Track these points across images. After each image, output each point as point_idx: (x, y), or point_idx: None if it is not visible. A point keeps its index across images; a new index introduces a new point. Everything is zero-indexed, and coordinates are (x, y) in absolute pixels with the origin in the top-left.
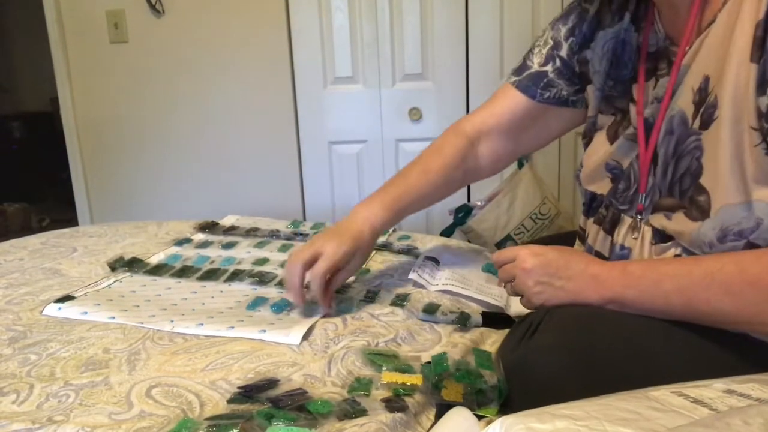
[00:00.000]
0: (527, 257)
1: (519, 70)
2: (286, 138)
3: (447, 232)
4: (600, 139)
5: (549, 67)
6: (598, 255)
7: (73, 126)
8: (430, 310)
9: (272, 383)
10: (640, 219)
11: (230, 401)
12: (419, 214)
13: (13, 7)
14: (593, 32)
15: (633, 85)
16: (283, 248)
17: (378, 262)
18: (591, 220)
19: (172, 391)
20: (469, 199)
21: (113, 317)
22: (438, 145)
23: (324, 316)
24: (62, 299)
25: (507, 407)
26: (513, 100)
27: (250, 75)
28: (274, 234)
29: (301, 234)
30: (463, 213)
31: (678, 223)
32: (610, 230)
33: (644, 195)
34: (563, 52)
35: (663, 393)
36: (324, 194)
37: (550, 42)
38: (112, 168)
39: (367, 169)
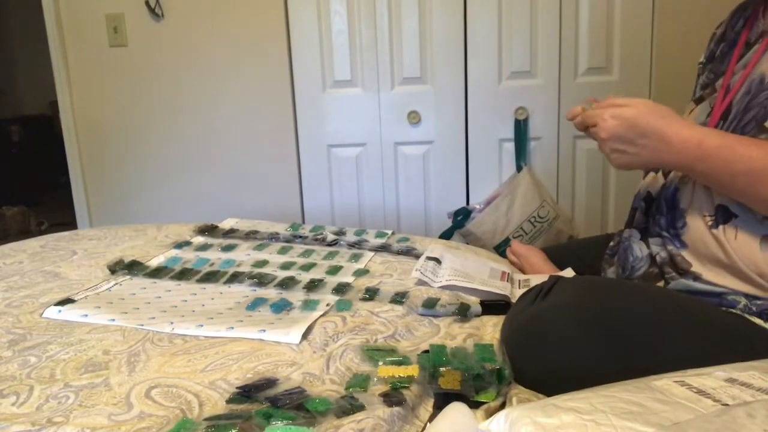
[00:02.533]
0: (604, 126)
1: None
2: (285, 141)
3: (446, 235)
4: (684, 113)
5: (699, 79)
6: (648, 194)
7: (73, 129)
8: (430, 304)
9: (271, 383)
10: None
11: (229, 401)
12: (418, 217)
13: (12, 10)
14: (718, 47)
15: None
16: (282, 251)
17: (377, 262)
18: (650, 174)
19: (172, 391)
20: (468, 203)
21: (113, 320)
22: None
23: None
24: (62, 302)
25: (513, 377)
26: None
27: (250, 79)
28: (274, 237)
29: (300, 237)
30: (462, 216)
31: None
32: (666, 173)
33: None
34: (700, 73)
35: (666, 382)
36: (323, 197)
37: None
38: (111, 171)
39: (366, 173)
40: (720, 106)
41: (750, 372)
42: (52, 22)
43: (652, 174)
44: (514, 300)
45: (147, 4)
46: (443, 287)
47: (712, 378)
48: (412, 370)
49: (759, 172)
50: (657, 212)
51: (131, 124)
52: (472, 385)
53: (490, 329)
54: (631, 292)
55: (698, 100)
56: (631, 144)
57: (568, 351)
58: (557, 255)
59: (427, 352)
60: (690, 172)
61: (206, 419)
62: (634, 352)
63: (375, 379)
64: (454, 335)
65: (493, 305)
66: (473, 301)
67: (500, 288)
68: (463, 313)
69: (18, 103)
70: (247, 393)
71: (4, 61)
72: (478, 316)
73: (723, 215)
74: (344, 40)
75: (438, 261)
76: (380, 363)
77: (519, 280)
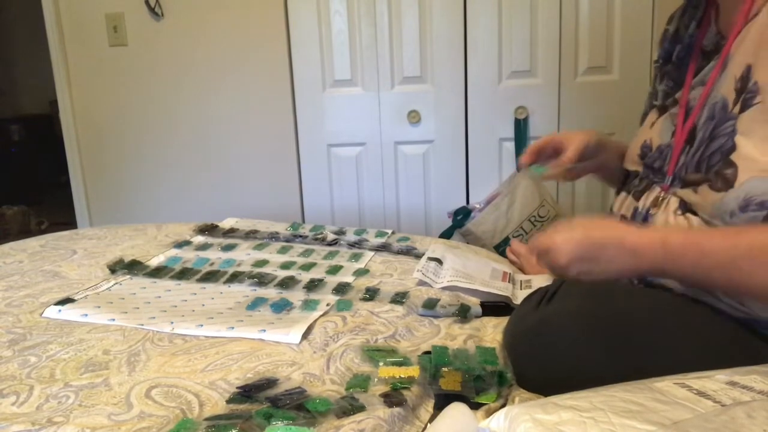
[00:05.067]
0: (559, 246)
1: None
2: (285, 141)
3: (446, 235)
4: (648, 120)
5: (656, 83)
6: (622, 218)
7: (73, 129)
8: (430, 304)
9: (271, 383)
10: (668, 190)
11: (229, 401)
12: (418, 216)
13: (12, 10)
14: (673, 46)
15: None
16: (283, 250)
17: (377, 262)
18: (623, 193)
19: (172, 391)
20: (467, 202)
21: (113, 319)
22: None
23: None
24: (62, 301)
25: (516, 381)
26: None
27: (250, 78)
28: (274, 236)
29: (300, 236)
30: (462, 215)
31: (701, 195)
32: (638, 196)
33: (671, 178)
34: (656, 75)
35: (667, 384)
36: (323, 197)
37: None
38: (111, 171)
39: (365, 172)
40: (682, 131)
41: (752, 376)
42: (52, 21)
43: (623, 194)
44: (515, 301)
45: (147, 3)
46: (445, 288)
47: (713, 380)
48: (413, 371)
49: (729, 264)
50: None
51: (131, 124)
52: (473, 386)
53: (491, 331)
54: (635, 296)
55: (661, 109)
56: (595, 261)
57: (573, 356)
58: None
59: (428, 353)
60: (663, 275)
61: (206, 419)
62: (638, 357)
63: (375, 379)
64: (455, 336)
65: (493, 307)
66: (473, 302)
67: (502, 289)
68: (463, 314)
69: (18, 103)
70: (247, 393)
71: (4, 60)
72: (478, 317)
73: None
74: (344, 39)
75: (439, 261)
76: (381, 363)
77: (521, 281)
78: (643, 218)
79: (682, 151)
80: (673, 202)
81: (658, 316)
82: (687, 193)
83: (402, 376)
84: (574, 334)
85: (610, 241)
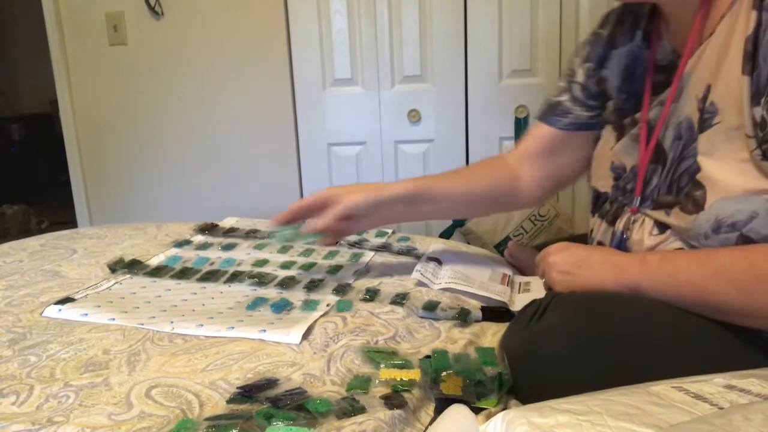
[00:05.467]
0: (553, 251)
1: (541, 106)
2: (285, 140)
3: (446, 234)
4: (605, 139)
5: (565, 97)
6: (600, 244)
7: (73, 128)
8: (430, 307)
9: (271, 383)
10: (637, 213)
11: (230, 401)
12: None
13: (12, 9)
14: (608, 51)
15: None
16: (283, 250)
17: (378, 262)
18: (595, 216)
19: (172, 391)
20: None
21: (113, 319)
22: (480, 161)
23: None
24: (62, 301)
25: (513, 393)
26: (540, 131)
27: (250, 77)
28: (274, 235)
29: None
30: None
31: (675, 218)
32: (612, 222)
33: (639, 198)
34: (579, 77)
35: (664, 388)
36: None
37: (567, 72)
38: (111, 170)
39: (366, 171)
40: (646, 152)
41: (749, 379)
42: (52, 20)
43: (597, 219)
44: (512, 306)
45: (147, 2)
46: (442, 289)
47: (711, 384)
48: (414, 374)
49: (700, 280)
50: None
51: (131, 123)
52: (474, 391)
53: (489, 338)
54: (629, 309)
55: (619, 129)
56: (577, 265)
57: (564, 374)
58: None
59: (429, 357)
60: (640, 291)
61: (207, 419)
62: (631, 371)
63: (376, 381)
64: (455, 339)
65: (493, 311)
66: (474, 305)
67: (499, 293)
68: (463, 318)
69: (18, 102)
70: (247, 393)
71: (4, 60)
72: (478, 321)
73: None
74: (344, 38)
75: (439, 262)
76: (382, 365)
77: (520, 283)
78: (618, 243)
79: (647, 171)
80: (648, 223)
81: (650, 328)
82: (660, 215)
83: (403, 378)
84: (563, 352)
85: (597, 253)
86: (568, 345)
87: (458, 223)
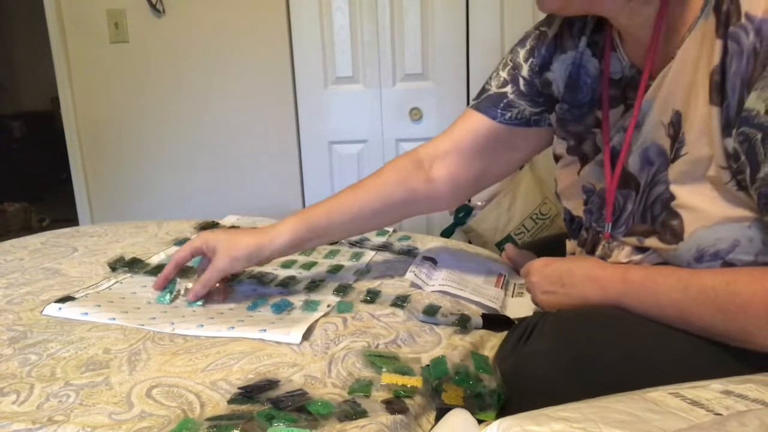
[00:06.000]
0: (534, 271)
1: (479, 95)
2: (286, 138)
3: (447, 232)
4: (569, 167)
5: (509, 89)
6: None
7: (74, 125)
8: (431, 311)
9: (273, 384)
10: (611, 243)
11: (231, 402)
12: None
13: (13, 6)
14: (552, 55)
15: (594, 110)
16: None
17: (378, 262)
18: (573, 241)
19: (173, 391)
20: (469, 199)
21: (113, 318)
22: (386, 165)
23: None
24: (62, 299)
25: (505, 412)
26: (474, 123)
27: (251, 75)
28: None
29: None
30: (464, 213)
31: (652, 244)
32: (591, 251)
33: (610, 224)
34: (524, 72)
35: (660, 394)
36: (324, 194)
37: (510, 64)
38: (112, 167)
39: (367, 169)
40: (612, 180)
41: (746, 385)
42: (53, 17)
43: (577, 248)
44: (504, 311)
45: (148, 0)
46: (435, 292)
47: (708, 390)
48: (416, 381)
49: (683, 302)
50: None
51: (132, 121)
52: (474, 402)
53: (488, 352)
54: (615, 329)
55: (578, 152)
56: (560, 284)
57: (552, 398)
58: (550, 250)
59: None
60: (623, 308)
61: (208, 419)
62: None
63: (379, 384)
64: (455, 346)
65: (493, 320)
66: (475, 311)
67: (492, 298)
68: (463, 324)
69: (19, 99)
70: (248, 394)
71: (5, 57)
72: (478, 329)
73: None
74: (346, 36)
75: (434, 261)
76: (384, 369)
77: (515, 285)
78: None
79: (617, 197)
80: (626, 248)
81: (637, 348)
82: (634, 241)
83: (404, 384)
84: (551, 375)
85: (579, 268)
86: (555, 370)
87: (459, 222)
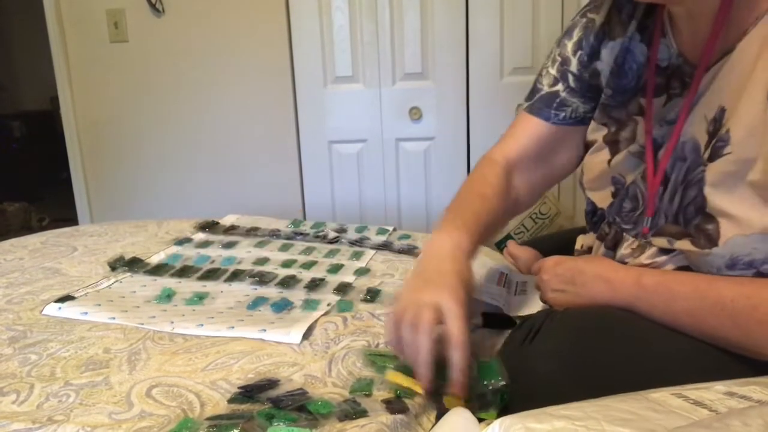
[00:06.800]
0: (546, 269)
1: (530, 95)
2: (286, 137)
3: None
4: (598, 151)
5: (560, 87)
6: None
7: (73, 125)
8: None
9: (273, 383)
10: (644, 241)
11: (231, 401)
12: (419, 213)
13: (13, 6)
14: (600, 42)
15: (638, 97)
16: (284, 248)
17: (378, 261)
18: (591, 234)
19: (173, 391)
20: None
21: (113, 318)
22: (480, 174)
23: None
24: (62, 299)
25: (508, 411)
26: (532, 127)
27: (251, 74)
28: (275, 233)
29: (301, 234)
30: None
31: (684, 247)
32: (612, 247)
33: (651, 219)
34: (573, 67)
35: (663, 395)
36: (324, 193)
37: (558, 59)
38: (112, 167)
39: (367, 169)
40: (655, 176)
41: (750, 386)
42: (53, 17)
43: (595, 240)
44: (507, 310)
45: (148, 0)
46: None
47: (711, 391)
48: (418, 387)
49: (698, 311)
50: None
51: (132, 120)
52: (476, 403)
53: (489, 350)
54: (621, 332)
55: (611, 140)
56: (570, 283)
57: (556, 399)
58: (549, 248)
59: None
60: (632, 310)
61: (208, 419)
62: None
63: (380, 383)
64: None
65: (494, 318)
66: (474, 310)
67: (495, 295)
68: None
69: (19, 99)
70: (248, 393)
71: (4, 57)
72: (478, 327)
73: None
74: (345, 35)
75: None
76: (391, 367)
77: (516, 283)
78: None
79: (657, 196)
80: (651, 250)
81: (643, 351)
82: (664, 242)
83: (408, 387)
84: (555, 376)
85: (590, 268)
86: (560, 370)
87: None
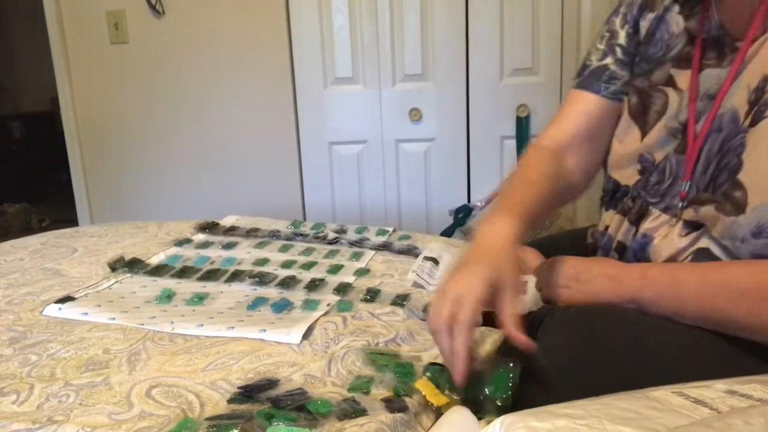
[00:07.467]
0: (550, 267)
1: (580, 72)
2: (286, 138)
3: (447, 233)
4: (628, 126)
5: (609, 60)
6: (620, 244)
7: (74, 126)
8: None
9: (272, 383)
10: (681, 207)
11: (230, 401)
12: (419, 214)
13: (13, 7)
14: (641, 13)
15: (666, 67)
16: (284, 248)
17: (378, 262)
18: (611, 211)
19: (172, 391)
20: (469, 200)
21: (113, 318)
22: (527, 161)
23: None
24: (62, 300)
25: (514, 407)
26: (583, 104)
27: (251, 75)
28: (275, 234)
29: (301, 234)
30: (463, 214)
31: (710, 216)
32: (636, 221)
33: (688, 183)
34: (621, 39)
35: (664, 393)
36: (324, 195)
37: (606, 35)
38: (112, 168)
39: (367, 170)
40: (694, 146)
41: (751, 385)
42: (53, 18)
43: (615, 216)
44: None
45: (148, 0)
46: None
47: (712, 390)
48: (444, 399)
49: (705, 295)
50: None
51: (132, 121)
52: (471, 406)
53: (489, 347)
54: (624, 328)
55: (637, 112)
56: (575, 280)
57: (559, 394)
58: (550, 249)
59: (434, 364)
60: (641, 305)
61: (207, 419)
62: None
63: (379, 382)
64: None
65: (493, 316)
66: None
67: None
68: None
69: (19, 100)
70: (248, 393)
71: (5, 57)
72: (478, 326)
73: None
74: (345, 36)
75: (435, 261)
76: (427, 374)
77: None
78: (641, 246)
79: (672, 164)
80: (677, 227)
81: (645, 347)
82: (691, 213)
83: (439, 401)
84: (557, 372)
85: (595, 266)
86: (562, 366)
87: (459, 222)
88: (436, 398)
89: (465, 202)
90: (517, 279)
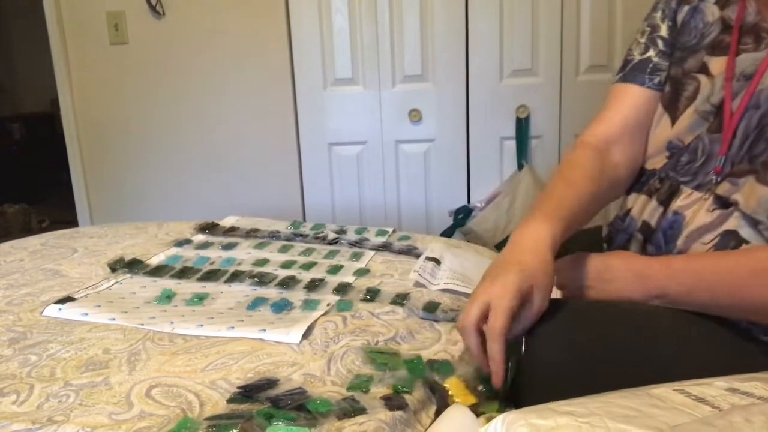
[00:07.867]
0: (570, 266)
1: (622, 67)
2: (286, 139)
3: (447, 234)
4: (660, 116)
5: (651, 52)
6: (645, 225)
7: (74, 127)
8: (431, 308)
9: (272, 383)
10: (716, 182)
11: (230, 401)
12: (419, 215)
13: (13, 8)
14: (678, 5)
15: (700, 54)
16: (283, 249)
17: (378, 262)
18: (634, 194)
19: (172, 391)
20: (469, 201)
21: (113, 318)
22: (569, 159)
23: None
24: (62, 300)
25: (511, 400)
26: (630, 97)
27: (251, 76)
28: (274, 235)
29: (301, 235)
30: (463, 214)
31: (746, 188)
32: (666, 201)
33: (724, 158)
34: (662, 32)
35: (665, 390)
36: (324, 195)
37: (647, 29)
38: (112, 169)
39: (367, 171)
40: (731, 122)
41: (752, 382)
42: (53, 19)
43: (641, 197)
44: None
45: (148, 1)
46: (441, 290)
47: (713, 387)
48: (472, 398)
49: (733, 277)
50: (654, 247)
51: (132, 122)
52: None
53: None
54: (625, 316)
55: (669, 102)
56: (598, 279)
57: (557, 384)
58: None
59: (435, 362)
60: (666, 297)
61: (207, 419)
62: (628, 382)
63: (378, 381)
64: (456, 341)
65: None
66: None
67: None
68: None
69: (19, 101)
70: (248, 393)
71: (5, 58)
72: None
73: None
74: (345, 37)
75: (437, 261)
76: (458, 374)
77: None
78: (671, 224)
79: (705, 143)
80: (707, 203)
81: (647, 335)
82: (726, 186)
83: (465, 398)
84: (558, 358)
85: (617, 262)
86: (561, 356)
87: (459, 223)
88: (465, 398)
89: (465, 202)
90: (549, 287)
